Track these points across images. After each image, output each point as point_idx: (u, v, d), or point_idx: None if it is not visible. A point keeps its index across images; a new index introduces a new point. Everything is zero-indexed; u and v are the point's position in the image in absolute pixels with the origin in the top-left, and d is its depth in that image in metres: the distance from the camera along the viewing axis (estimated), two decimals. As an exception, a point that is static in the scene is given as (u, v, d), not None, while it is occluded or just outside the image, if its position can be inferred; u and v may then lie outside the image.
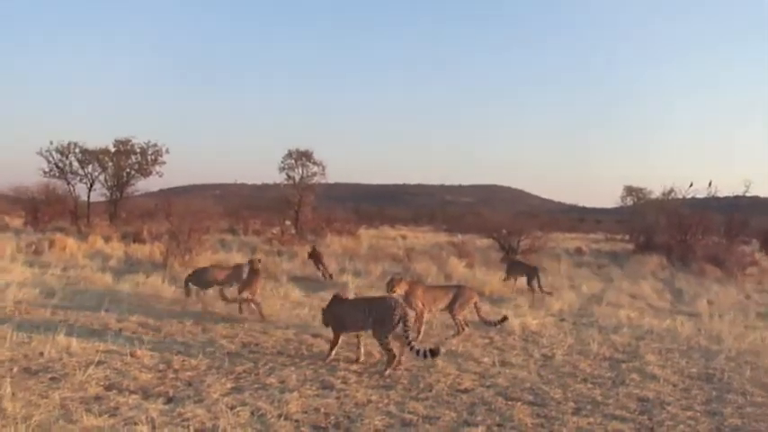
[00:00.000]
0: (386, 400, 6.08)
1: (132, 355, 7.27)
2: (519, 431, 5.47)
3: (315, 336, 8.69)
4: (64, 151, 28.26)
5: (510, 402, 6.20)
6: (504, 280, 14.37)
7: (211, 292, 10.79)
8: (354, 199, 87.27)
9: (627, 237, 35.01)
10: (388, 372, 6.99)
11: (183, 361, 7.21)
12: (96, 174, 29.04)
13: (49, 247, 17.70)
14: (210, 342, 8.23)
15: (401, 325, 7.04)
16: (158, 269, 14.30)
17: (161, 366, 6.97)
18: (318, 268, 15.45)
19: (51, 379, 6.27)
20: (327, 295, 9.86)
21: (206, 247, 17.24)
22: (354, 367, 7.27)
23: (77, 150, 28.53)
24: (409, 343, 7.01)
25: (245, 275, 10.48)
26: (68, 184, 28.76)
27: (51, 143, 28.08)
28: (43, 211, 27.75)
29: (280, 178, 30.73)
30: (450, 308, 9.18)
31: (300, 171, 30.50)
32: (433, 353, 6.91)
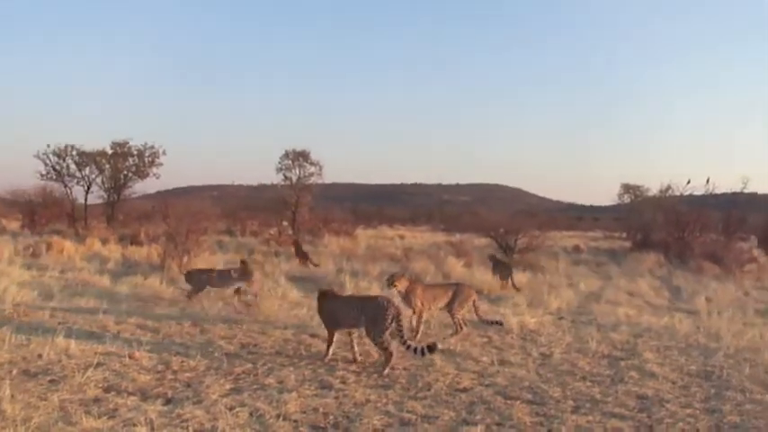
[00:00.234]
0: (384, 400, 6.09)
1: (131, 356, 7.26)
2: (518, 430, 5.47)
3: (313, 336, 8.70)
4: (61, 154, 28.23)
5: (509, 401, 6.21)
6: (493, 275, 14.87)
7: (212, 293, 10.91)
8: (352, 199, 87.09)
9: (624, 234, 35.08)
10: (386, 371, 6.99)
11: (182, 362, 7.21)
12: (93, 176, 29.02)
13: (47, 249, 17.66)
14: (209, 343, 8.23)
15: (394, 324, 7.05)
16: (156, 271, 14.29)
17: (160, 368, 6.97)
18: (305, 261, 15.79)
19: (50, 381, 6.27)
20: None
21: (204, 249, 17.20)
22: (353, 367, 7.27)
23: (74, 153, 28.50)
24: (405, 342, 7.02)
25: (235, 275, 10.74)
26: (65, 186, 28.74)
27: (48, 146, 28.09)
28: (40, 213, 27.69)
29: (277, 179, 30.79)
30: (449, 306, 9.19)
31: (297, 171, 30.55)
32: (431, 349, 6.92)
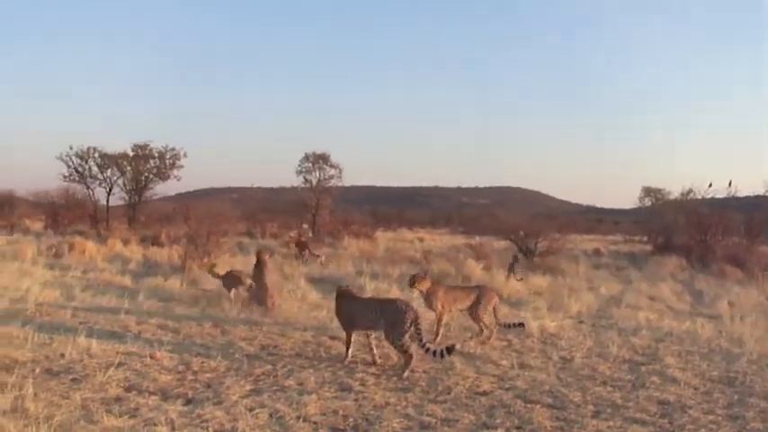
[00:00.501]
0: (404, 403, 6.08)
1: (152, 356, 7.32)
2: (538, 434, 5.45)
3: (333, 338, 8.70)
4: (83, 156, 28.68)
5: (529, 405, 6.18)
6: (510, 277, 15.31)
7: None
8: (370, 201, 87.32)
9: (645, 238, 34.75)
10: (405, 374, 6.97)
11: (203, 363, 7.24)
12: (115, 178, 29.46)
13: (69, 250, 17.86)
14: (229, 344, 8.26)
15: (413, 328, 7.04)
16: (177, 272, 14.39)
17: (180, 368, 7.01)
18: (305, 254, 16.13)
19: (72, 380, 6.33)
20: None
21: (224, 250, 17.30)
22: (372, 369, 7.27)
23: (96, 155, 28.96)
24: (423, 345, 7.00)
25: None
26: (88, 188, 29.21)
27: (71, 148, 28.48)
28: (63, 214, 28.11)
29: (296, 181, 30.94)
30: (472, 309, 9.14)
31: (317, 174, 30.67)
32: (449, 350, 6.91)
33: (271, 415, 5.54)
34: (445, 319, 9.21)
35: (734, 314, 11.96)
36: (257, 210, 37.17)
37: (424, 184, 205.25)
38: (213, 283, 11.95)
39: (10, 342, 7.61)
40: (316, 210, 30.18)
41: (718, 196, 25.90)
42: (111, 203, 29.73)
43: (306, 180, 30.83)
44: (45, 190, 29.63)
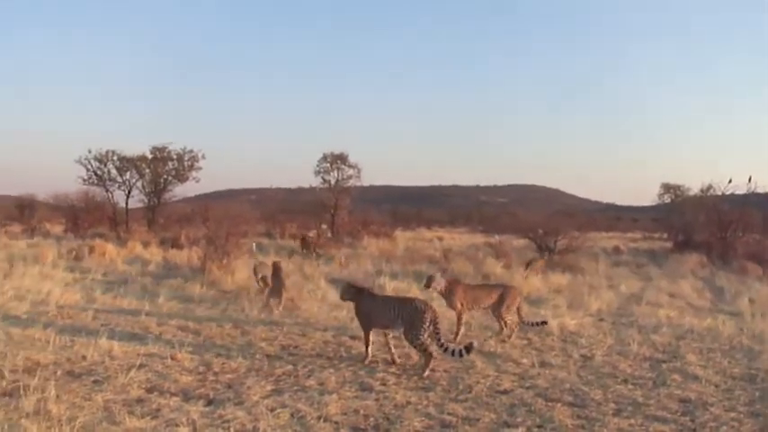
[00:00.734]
0: (425, 402, 6.07)
1: (173, 357, 7.36)
2: (559, 432, 5.43)
3: (353, 338, 8.71)
4: (102, 159, 28.93)
5: (550, 403, 6.16)
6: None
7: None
8: (389, 201, 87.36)
9: (665, 235, 34.58)
10: (426, 373, 6.97)
11: (223, 363, 7.28)
12: (134, 180, 29.69)
13: (89, 252, 18.03)
14: (249, 345, 8.30)
15: (431, 327, 7.03)
16: (197, 274, 14.47)
17: (201, 369, 7.05)
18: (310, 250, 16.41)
19: (94, 382, 6.38)
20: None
21: (243, 252, 17.35)
22: (393, 369, 7.27)
23: (115, 158, 29.17)
24: (442, 344, 7.00)
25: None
26: (107, 191, 29.49)
27: (90, 151, 28.73)
28: (83, 217, 28.35)
29: (315, 182, 31.00)
30: (496, 308, 9.11)
31: (336, 174, 30.74)
32: (468, 349, 6.90)
33: (292, 415, 5.56)
34: (465, 317, 9.19)
35: (755, 311, 11.85)
36: (276, 211, 37.34)
37: (443, 183, 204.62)
38: (232, 285, 12.01)
39: (32, 344, 7.70)
40: (334, 210, 30.25)
41: (738, 192, 25.66)
42: (130, 206, 30.05)
43: (324, 180, 30.95)
44: (65, 193, 29.94)
